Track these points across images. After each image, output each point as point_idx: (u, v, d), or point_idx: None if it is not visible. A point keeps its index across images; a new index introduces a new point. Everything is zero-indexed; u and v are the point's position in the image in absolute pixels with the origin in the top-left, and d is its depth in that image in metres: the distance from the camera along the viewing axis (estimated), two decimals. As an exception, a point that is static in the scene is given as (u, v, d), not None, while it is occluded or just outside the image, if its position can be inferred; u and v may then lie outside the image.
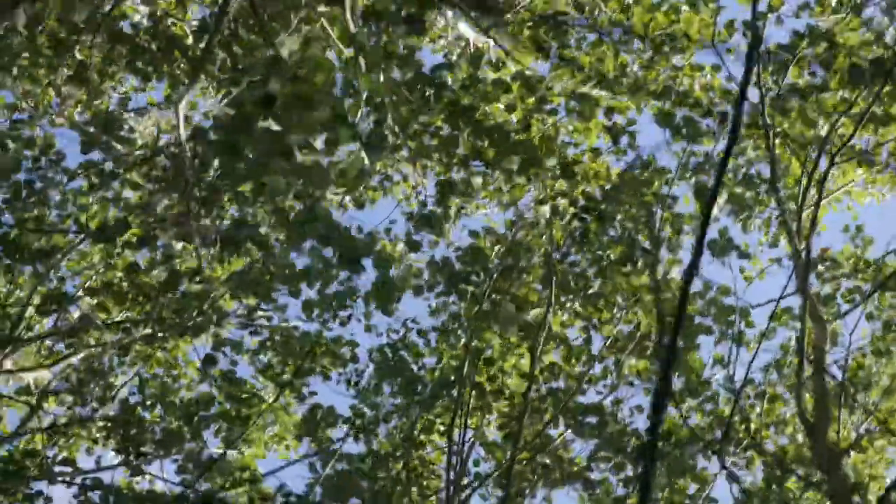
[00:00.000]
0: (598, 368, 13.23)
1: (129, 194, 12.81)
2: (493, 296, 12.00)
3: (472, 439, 13.02)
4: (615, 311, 12.57)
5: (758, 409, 13.41)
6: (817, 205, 12.00)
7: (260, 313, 13.01)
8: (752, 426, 12.88)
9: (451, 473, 12.54)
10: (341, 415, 13.18)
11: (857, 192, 15.57)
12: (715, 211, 13.56)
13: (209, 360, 12.95)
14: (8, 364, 13.86)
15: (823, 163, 13.38)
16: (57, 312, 12.21)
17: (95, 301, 12.53)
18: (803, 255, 11.69)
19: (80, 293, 12.32)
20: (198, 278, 12.19)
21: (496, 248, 12.20)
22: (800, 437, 13.62)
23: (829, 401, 11.49)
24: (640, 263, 11.73)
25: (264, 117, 7.79)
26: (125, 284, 12.87)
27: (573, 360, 12.90)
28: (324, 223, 9.41)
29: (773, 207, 14.50)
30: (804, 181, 12.63)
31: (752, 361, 11.97)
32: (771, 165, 12.65)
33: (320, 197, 10.41)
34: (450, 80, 11.72)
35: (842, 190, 15.05)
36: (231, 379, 13.29)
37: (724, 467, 11.39)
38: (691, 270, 5.78)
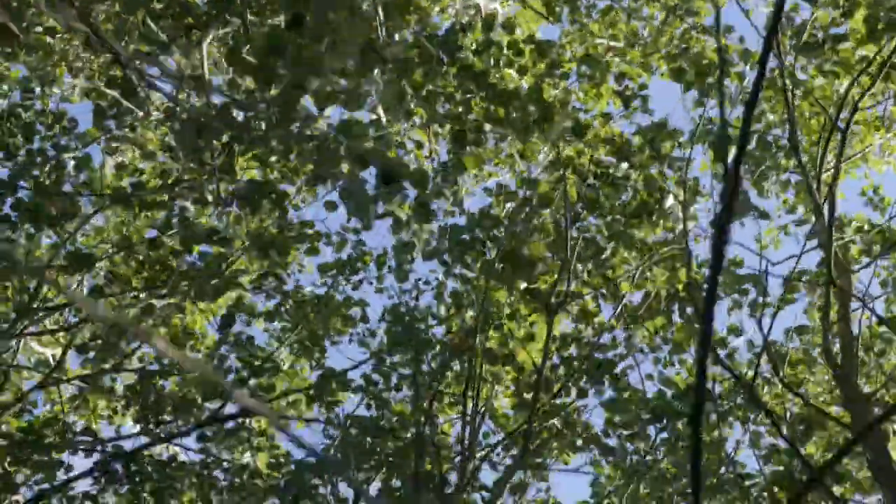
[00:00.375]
0: (606, 338, 13.21)
1: (143, 165, 12.95)
2: (504, 263, 11.99)
3: (482, 409, 13.00)
4: (626, 274, 12.55)
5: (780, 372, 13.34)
6: (840, 153, 11.93)
7: (272, 278, 13.04)
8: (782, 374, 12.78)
9: (465, 441, 12.55)
10: (352, 379, 13.21)
11: (874, 160, 15.57)
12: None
13: (226, 322, 12.98)
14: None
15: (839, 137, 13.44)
16: (82, 272, 12.25)
17: (113, 270, 12.58)
18: (826, 207, 11.65)
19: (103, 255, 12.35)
20: (215, 238, 12.26)
21: (507, 205, 12.19)
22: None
23: (856, 348, 11.48)
24: (655, 216, 11.70)
25: (295, 39, 7.84)
26: (141, 255, 12.96)
27: (585, 326, 12.89)
28: (360, 139, 9.42)
29: (791, 171, 14.50)
30: (825, 133, 12.59)
31: (770, 325, 11.79)
32: (790, 126, 12.59)
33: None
34: (462, 45, 11.75)
35: (859, 155, 15.05)
36: (246, 343, 13.29)
37: (761, 409, 11.29)
38: (721, 231, 5.60)
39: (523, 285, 12.02)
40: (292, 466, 13.37)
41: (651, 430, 13.02)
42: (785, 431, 12.86)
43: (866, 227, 14.50)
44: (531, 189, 11.81)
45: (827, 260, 10.97)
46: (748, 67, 13.38)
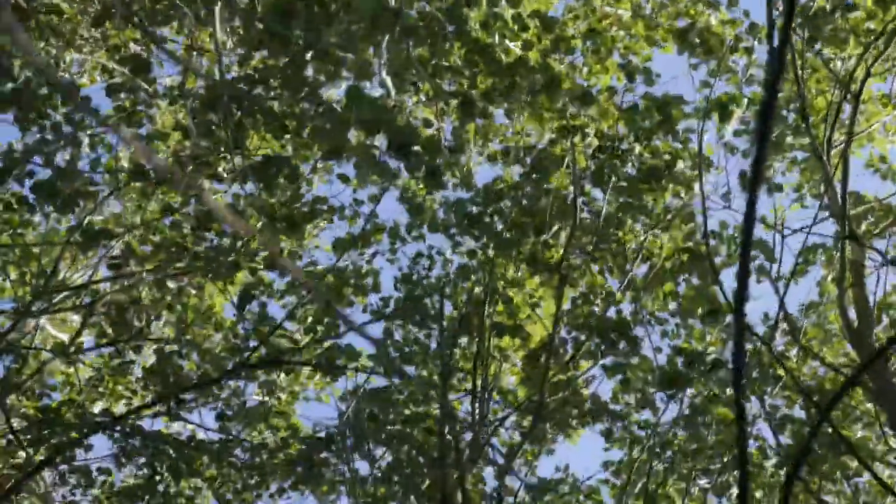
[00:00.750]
0: (612, 312, 13.29)
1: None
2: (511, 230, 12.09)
3: (491, 384, 13.09)
4: (634, 243, 12.64)
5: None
6: (853, 115, 12.01)
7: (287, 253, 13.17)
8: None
9: (475, 414, 12.66)
10: (362, 349, 13.33)
11: (879, 138, 15.65)
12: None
13: (244, 298, 13.09)
14: (43, 320, 14.14)
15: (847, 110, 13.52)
16: (102, 247, 12.40)
17: (130, 245, 12.71)
18: (840, 169, 11.73)
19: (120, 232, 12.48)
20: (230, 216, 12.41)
21: (514, 168, 12.28)
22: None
23: (871, 312, 11.55)
24: (663, 181, 11.78)
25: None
26: (157, 236, 13.09)
27: (594, 298, 12.97)
28: (370, 106, 9.54)
29: (796, 150, 14.61)
30: (837, 99, 12.68)
31: (784, 294, 11.85)
32: (799, 93, 12.67)
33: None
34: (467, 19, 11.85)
35: (865, 132, 15.12)
36: (263, 318, 13.42)
37: (776, 359, 11.35)
38: (753, 202, 5.59)
39: (531, 254, 12.11)
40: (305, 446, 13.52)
41: (660, 403, 13.14)
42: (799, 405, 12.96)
43: (875, 201, 14.58)
44: (538, 155, 11.91)
45: (842, 211, 11.05)
46: (756, 41, 13.49)
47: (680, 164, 11.91)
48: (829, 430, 9.67)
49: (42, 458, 13.50)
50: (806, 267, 13.22)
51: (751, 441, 14.23)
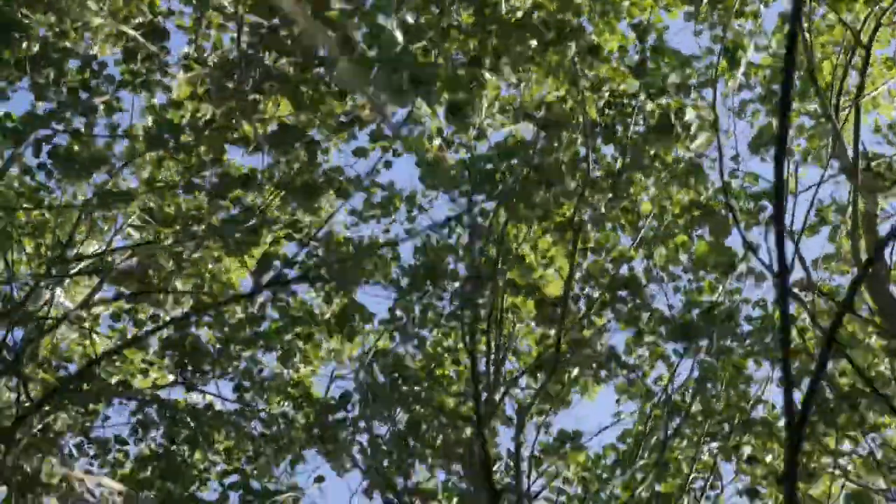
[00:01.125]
0: (624, 269, 13.38)
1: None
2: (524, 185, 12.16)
3: (504, 343, 13.14)
4: (645, 195, 12.72)
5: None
6: (864, 68, 12.08)
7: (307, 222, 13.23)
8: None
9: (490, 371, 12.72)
10: (374, 313, 13.42)
11: (884, 104, 15.74)
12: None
13: (262, 266, 13.16)
14: (58, 292, 14.20)
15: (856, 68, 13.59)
16: (120, 208, 12.46)
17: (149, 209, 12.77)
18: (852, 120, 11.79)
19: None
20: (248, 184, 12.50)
21: (524, 125, 12.32)
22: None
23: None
24: (676, 131, 11.85)
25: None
26: (173, 204, 13.14)
27: (605, 256, 13.06)
28: (389, 44, 9.61)
29: (804, 116, 14.70)
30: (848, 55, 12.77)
31: (798, 243, 11.91)
32: (809, 62, 12.74)
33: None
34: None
35: (871, 96, 15.20)
36: (281, 284, 13.49)
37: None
38: (782, 149, 5.61)
39: (543, 210, 12.18)
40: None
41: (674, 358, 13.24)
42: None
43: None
44: (548, 111, 11.95)
45: (855, 149, 11.11)
46: (762, 5, 13.60)
47: (690, 114, 11.98)
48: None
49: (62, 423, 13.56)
50: (818, 226, 13.32)
51: (760, 407, 14.34)
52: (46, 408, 13.30)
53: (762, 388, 14.05)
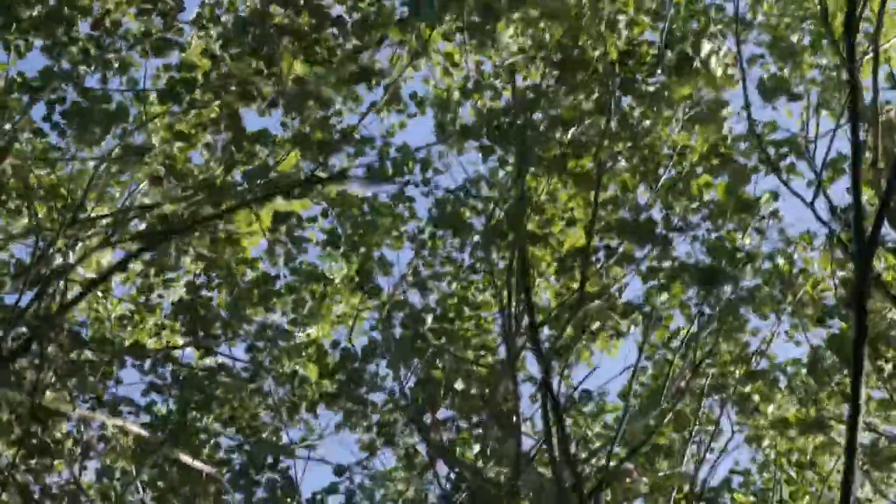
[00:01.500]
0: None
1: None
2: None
3: (524, 298, 13.13)
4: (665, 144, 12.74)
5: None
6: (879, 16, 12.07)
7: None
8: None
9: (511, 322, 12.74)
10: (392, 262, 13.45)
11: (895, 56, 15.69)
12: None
13: (278, 220, 13.15)
14: (70, 255, 14.11)
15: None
16: (137, 166, 12.43)
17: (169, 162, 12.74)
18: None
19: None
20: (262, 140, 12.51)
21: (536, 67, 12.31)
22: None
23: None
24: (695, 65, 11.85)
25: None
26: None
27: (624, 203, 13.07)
28: None
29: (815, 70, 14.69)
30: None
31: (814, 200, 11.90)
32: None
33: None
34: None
35: (884, 46, 15.15)
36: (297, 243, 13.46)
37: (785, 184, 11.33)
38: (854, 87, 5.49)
39: (562, 158, 12.20)
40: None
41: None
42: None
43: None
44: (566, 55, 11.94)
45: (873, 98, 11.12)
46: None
47: (706, 46, 11.98)
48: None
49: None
50: (835, 174, 13.30)
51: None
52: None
53: (769, 342, 14.09)
